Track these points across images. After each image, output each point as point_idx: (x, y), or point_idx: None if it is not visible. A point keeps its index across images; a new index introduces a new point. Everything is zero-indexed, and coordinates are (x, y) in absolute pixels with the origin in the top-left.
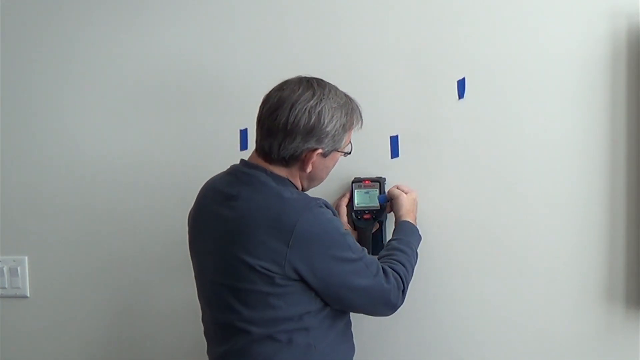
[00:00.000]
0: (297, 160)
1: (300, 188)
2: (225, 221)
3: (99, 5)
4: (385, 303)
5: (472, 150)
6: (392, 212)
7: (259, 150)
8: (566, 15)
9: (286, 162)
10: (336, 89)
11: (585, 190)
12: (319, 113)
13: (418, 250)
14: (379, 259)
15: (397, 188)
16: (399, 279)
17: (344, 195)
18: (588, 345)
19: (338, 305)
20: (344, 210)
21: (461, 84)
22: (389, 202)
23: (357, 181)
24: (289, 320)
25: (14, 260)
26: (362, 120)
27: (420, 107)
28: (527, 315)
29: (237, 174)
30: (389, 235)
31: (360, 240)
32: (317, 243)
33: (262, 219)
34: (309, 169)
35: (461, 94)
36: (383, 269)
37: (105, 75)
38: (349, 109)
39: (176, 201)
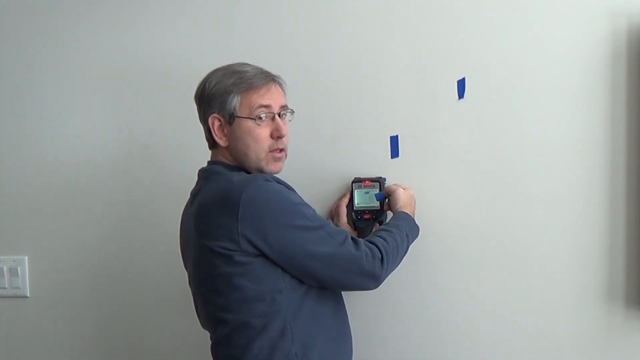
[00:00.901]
0: (210, 134)
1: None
2: (191, 217)
3: (97, 2)
4: (359, 271)
5: (472, 150)
6: (390, 210)
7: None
8: (566, 15)
9: (211, 141)
10: (247, 64)
11: (585, 190)
12: (206, 80)
13: (414, 243)
14: None
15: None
16: (374, 248)
17: (344, 195)
18: (588, 345)
19: (310, 279)
20: (343, 210)
21: (461, 84)
22: (387, 200)
23: (357, 181)
24: (260, 302)
25: (14, 260)
26: (261, 82)
27: (420, 107)
28: (527, 315)
29: (200, 173)
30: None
31: None
32: (266, 212)
33: (213, 201)
34: (218, 139)
35: (461, 94)
36: (353, 239)
37: (106, 75)
38: (242, 76)
39: (176, 200)
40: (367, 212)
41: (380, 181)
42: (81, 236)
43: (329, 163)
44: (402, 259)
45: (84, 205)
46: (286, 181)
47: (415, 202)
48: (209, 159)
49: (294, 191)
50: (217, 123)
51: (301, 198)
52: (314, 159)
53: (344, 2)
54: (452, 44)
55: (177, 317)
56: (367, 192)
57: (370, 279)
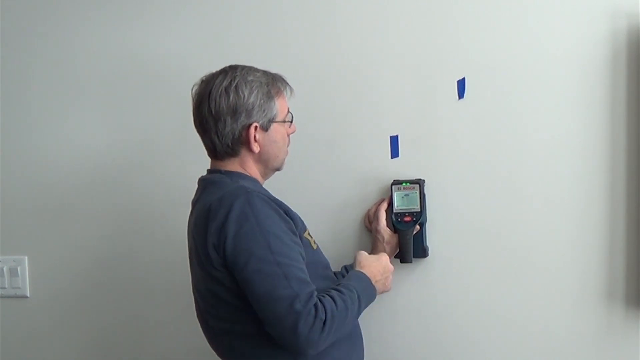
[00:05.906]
0: (240, 143)
1: (259, 176)
2: (191, 226)
3: (97, 4)
4: (292, 329)
5: (472, 150)
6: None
7: (208, 152)
8: (566, 15)
9: (233, 150)
10: (251, 67)
11: (585, 190)
12: (236, 89)
13: (365, 298)
14: None
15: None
16: (321, 308)
17: (383, 200)
18: (588, 345)
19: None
20: (382, 214)
21: (461, 84)
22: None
23: (397, 183)
24: (241, 311)
25: (14, 260)
26: (289, 86)
27: (420, 107)
28: (527, 315)
29: (200, 182)
30: (430, 237)
31: (402, 243)
32: (236, 224)
33: (202, 213)
34: (255, 148)
35: (461, 94)
36: (311, 293)
37: (107, 77)
38: (269, 79)
39: (176, 201)
40: (407, 214)
41: (419, 183)
42: (81, 236)
43: (328, 163)
44: (351, 323)
45: (84, 205)
46: (285, 182)
47: (382, 265)
48: (209, 167)
49: (285, 211)
50: (255, 131)
51: (289, 222)
52: (313, 159)
53: (344, 2)
54: (452, 44)
55: (177, 318)
56: (407, 195)
57: (304, 342)
